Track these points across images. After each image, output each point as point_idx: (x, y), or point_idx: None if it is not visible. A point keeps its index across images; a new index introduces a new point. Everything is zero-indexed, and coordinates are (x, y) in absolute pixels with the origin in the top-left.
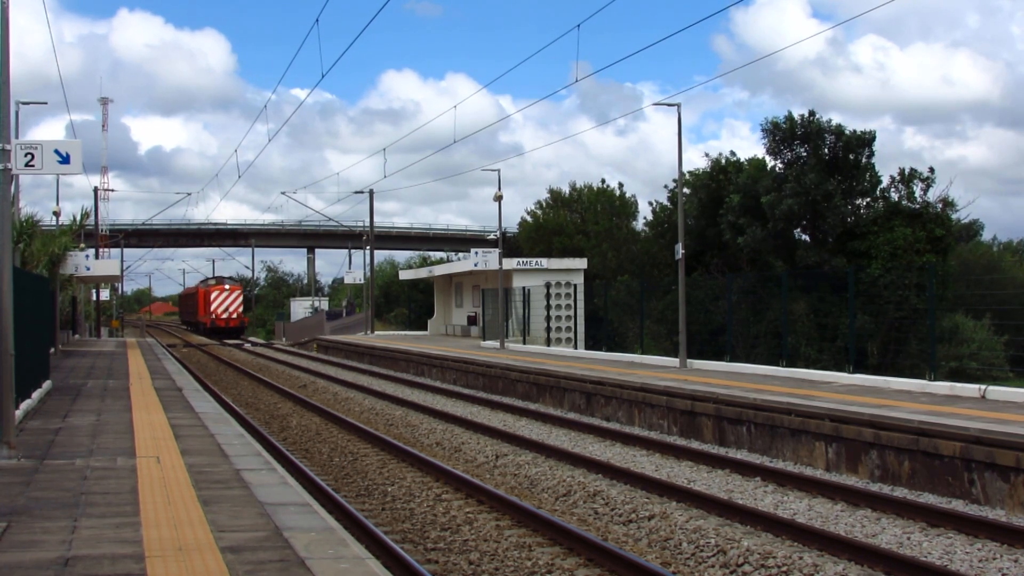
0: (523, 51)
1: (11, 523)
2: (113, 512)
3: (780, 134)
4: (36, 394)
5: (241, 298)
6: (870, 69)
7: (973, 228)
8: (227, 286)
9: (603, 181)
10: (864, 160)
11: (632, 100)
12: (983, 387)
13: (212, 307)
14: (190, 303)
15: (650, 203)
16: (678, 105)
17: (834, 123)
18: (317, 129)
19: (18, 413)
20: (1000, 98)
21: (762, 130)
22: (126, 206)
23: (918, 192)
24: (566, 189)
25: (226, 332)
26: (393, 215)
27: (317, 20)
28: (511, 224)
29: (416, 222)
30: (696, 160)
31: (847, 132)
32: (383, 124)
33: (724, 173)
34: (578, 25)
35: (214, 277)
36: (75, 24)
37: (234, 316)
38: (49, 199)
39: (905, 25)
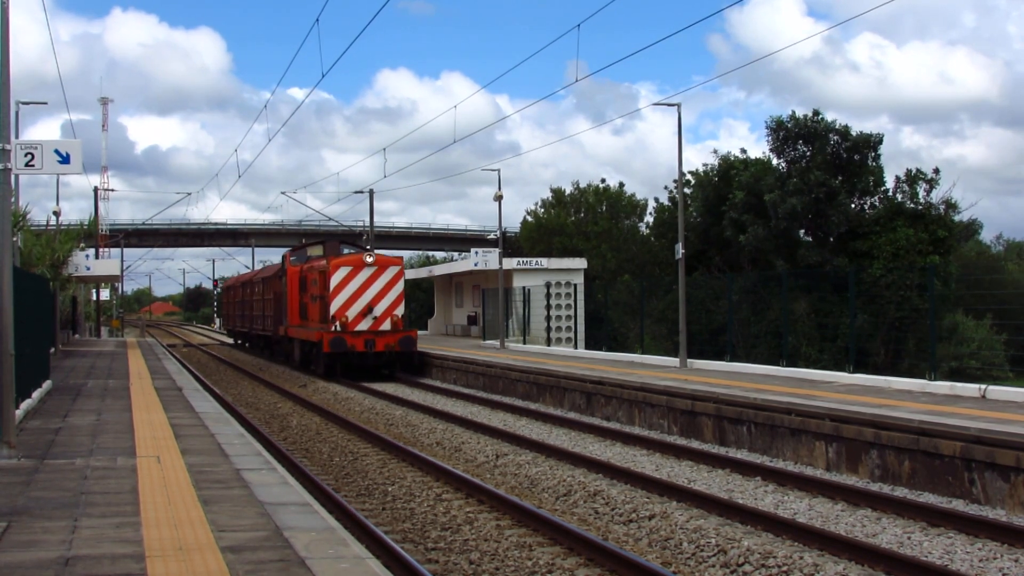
0: (517, 49)
1: (11, 523)
2: (113, 512)
3: (784, 133)
4: (36, 394)
5: (402, 286)
6: (867, 67)
7: (972, 227)
8: (369, 259)
9: (603, 180)
10: (870, 162)
11: (628, 99)
12: (983, 387)
13: (337, 306)
14: (266, 296)
15: (655, 199)
16: (678, 105)
17: (839, 124)
18: (313, 128)
19: (18, 413)
20: (998, 97)
21: (767, 128)
22: (123, 205)
23: (921, 193)
24: (568, 188)
25: (374, 361)
26: (391, 215)
27: (317, 20)
28: (509, 223)
29: (414, 221)
30: (694, 160)
31: (854, 133)
32: (379, 123)
33: (731, 170)
34: (578, 25)
35: (320, 242)
36: (69, 23)
37: (386, 327)
38: (46, 199)
39: (901, 24)
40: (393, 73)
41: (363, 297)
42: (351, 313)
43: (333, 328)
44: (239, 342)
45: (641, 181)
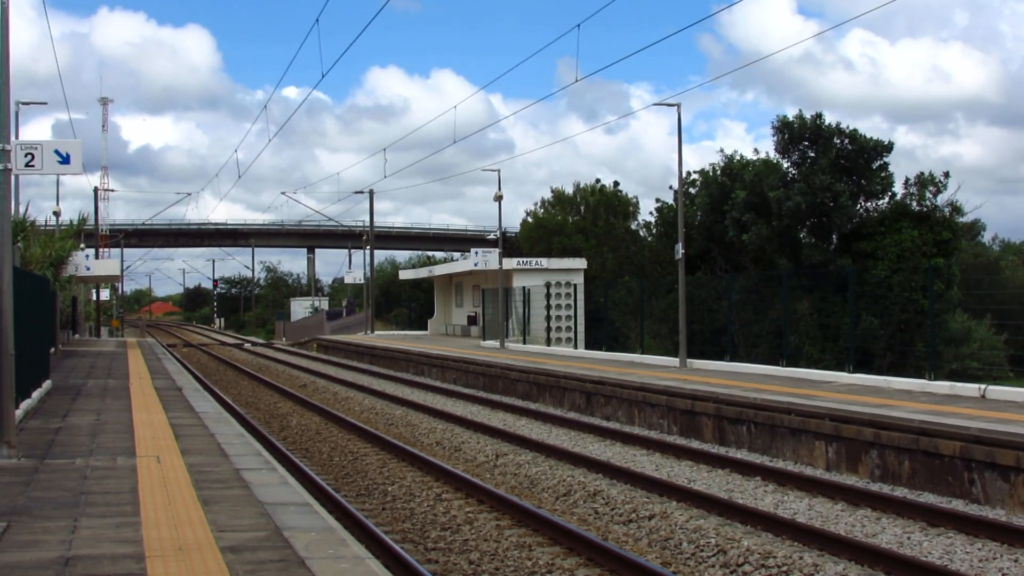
0: (506, 45)
1: (11, 523)
2: (113, 512)
3: (790, 133)
4: (36, 394)
5: None
6: (860, 65)
7: (975, 228)
8: None
9: (598, 181)
10: (877, 165)
11: (620, 97)
12: (983, 387)
13: None
14: None
15: (656, 200)
16: (678, 105)
17: (844, 127)
18: (304, 127)
19: (18, 413)
20: (994, 95)
21: (772, 128)
22: (118, 205)
23: (928, 197)
24: (567, 188)
25: None
26: (387, 214)
27: (317, 20)
28: (505, 223)
29: (412, 221)
30: (691, 160)
31: (864, 138)
32: (371, 122)
33: (735, 169)
34: (578, 25)
35: None
36: (57, 22)
37: None
38: (42, 198)
39: (893, 22)
40: (383, 71)
41: None
42: None
43: None
44: None
45: (637, 181)
